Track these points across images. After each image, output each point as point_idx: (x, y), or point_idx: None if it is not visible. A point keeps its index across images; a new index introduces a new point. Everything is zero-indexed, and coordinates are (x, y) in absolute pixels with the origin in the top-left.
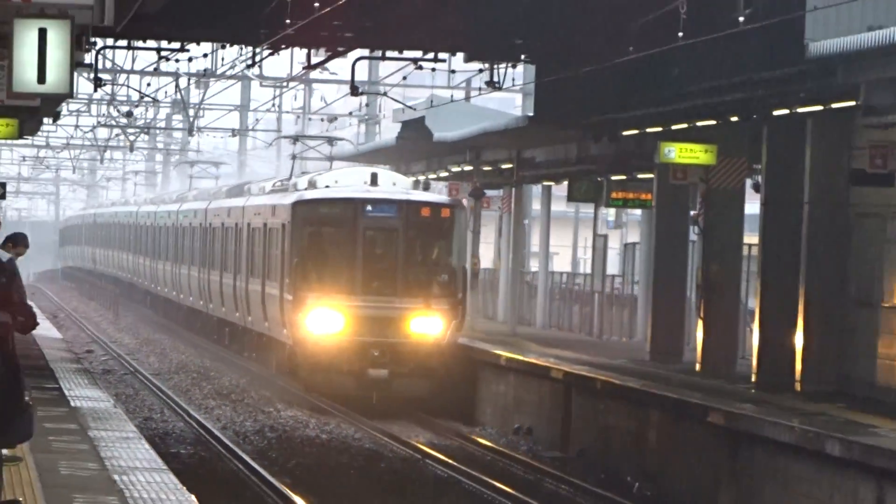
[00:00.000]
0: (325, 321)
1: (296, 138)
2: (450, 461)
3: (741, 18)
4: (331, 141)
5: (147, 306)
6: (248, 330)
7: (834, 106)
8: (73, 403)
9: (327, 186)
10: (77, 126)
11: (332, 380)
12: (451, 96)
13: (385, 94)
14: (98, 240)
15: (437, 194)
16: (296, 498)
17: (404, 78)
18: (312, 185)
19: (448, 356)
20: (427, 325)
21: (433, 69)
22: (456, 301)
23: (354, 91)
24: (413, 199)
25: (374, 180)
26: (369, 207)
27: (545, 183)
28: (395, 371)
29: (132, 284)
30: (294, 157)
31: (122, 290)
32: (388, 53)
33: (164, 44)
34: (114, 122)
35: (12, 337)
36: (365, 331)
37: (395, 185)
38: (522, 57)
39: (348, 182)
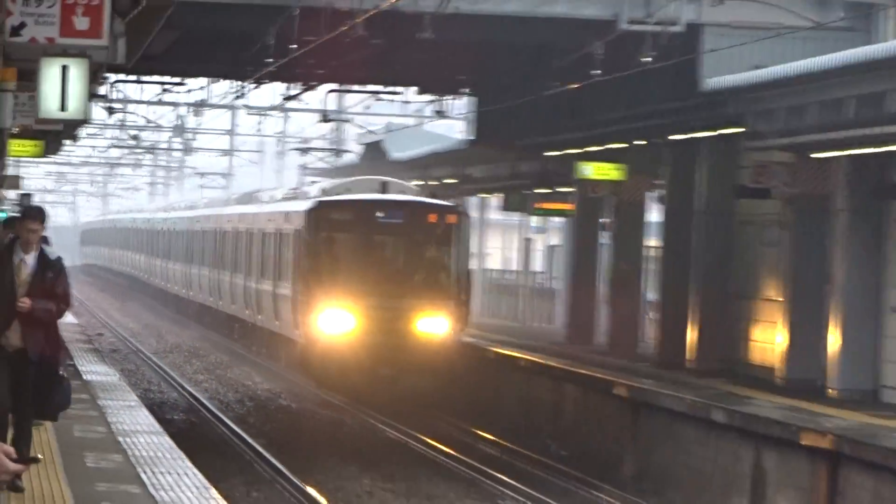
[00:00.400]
0: (337, 321)
1: (306, 150)
2: (400, 426)
3: (647, 59)
4: (338, 152)
5: (160, 302)
6: (258, 327)
7: (723, 132)
8: (85, 377)
9: (339, 194)
10: (93, 146)
11: (343, 377)
12: (406, 124)
13: (350, 121)
14: (116, 242)
15: (443, 203)
16: (269, 456)
17: (367, 107)
18: (324, 193)
19: (452, 354)
20: (433, 325)
21: (391, 100)
22: (460, 302)
23: (325, 119)
24: (421, 206)
25: (384, 188)
26: (380, 213)
27: (482, 195)
28: (402, 369)
29: (146, 283)
30: (305, 167)
31: (136, 286)
32: (353, 87)
33: (166, 78)
34: (123, 144)
35: (55, 322)
36: (375, 330)
37: (403, 193)
38: (465, 91)
39: (359, 190)
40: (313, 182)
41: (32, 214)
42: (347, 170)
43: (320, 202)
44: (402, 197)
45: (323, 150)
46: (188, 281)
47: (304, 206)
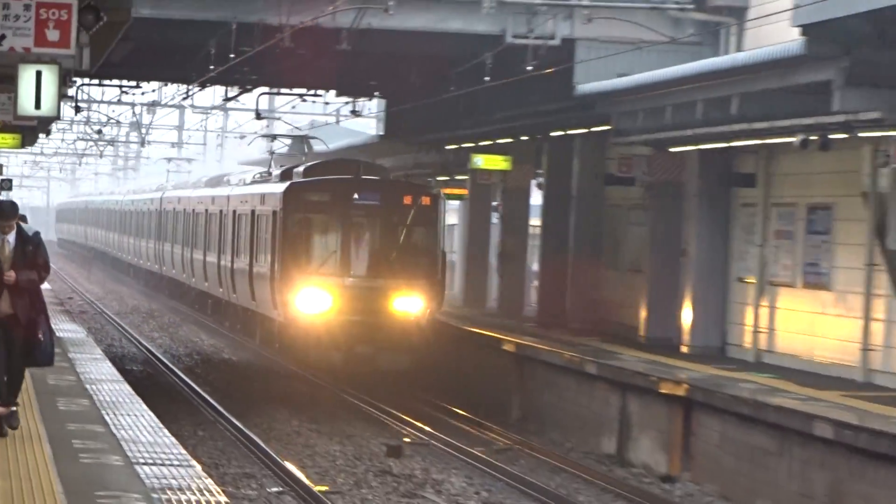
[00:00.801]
0: (314, 301)
1: (274, 137)
2: (324, 377)
3: (529, 67)
4: (304, 139)
5: (129, 276)
6: (232, 304)
7: (593, 129)
8: (58, 334)
9: (315, 176)
10: (62, 139)
11: (320, 356)
12: (327, 121)
13: (280, 118)
14: (88, 220)
15: (419, 184)
16: (213, 401)
17: (293, 107)
18: (300, 175)
19: (428, 332)
20: (409, 304)
21: (314, 101)
22: (435, 281)
23: (258, 116)
24: (397, 187)
25: (357, 171)
26: (356, 195)
27: None
28: (378, 347)
29: (115, 257)
30: (272, 153)
31: (104, 259)
32: (282, 90)
33: (124, 82)
34: (88, 137)
35: (38, 289)
36: (351, 309)
37: (377, 176)
38: (376, 93)
39: (334, 172)
40: (283, 167)
41: (5, 215)
42: (281, 159)
43: (297, 183)
44: (378, 178)
45: (288, 136)
46: (160, 258)
47: (280, 187)
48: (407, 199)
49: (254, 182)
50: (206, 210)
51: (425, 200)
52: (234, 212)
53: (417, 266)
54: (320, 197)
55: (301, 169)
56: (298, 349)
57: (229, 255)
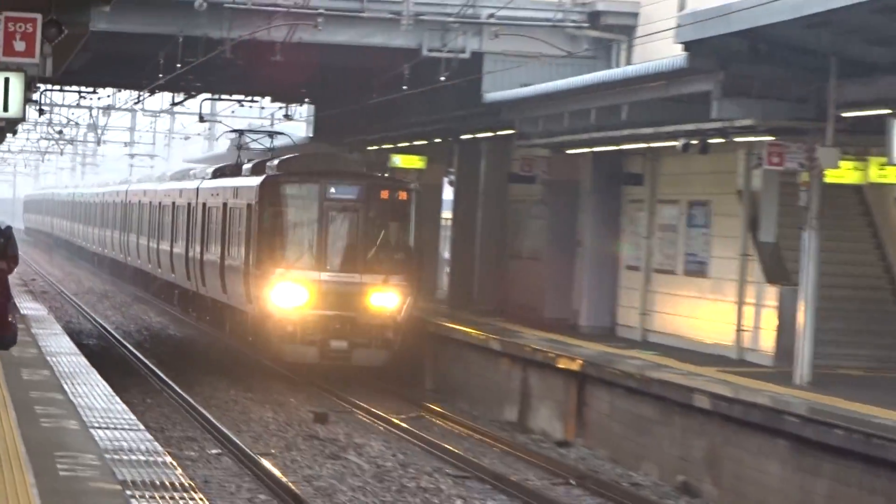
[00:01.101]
0: (290, 295)
1: (241, 132)
2: (260, 354)
3: (442, 77)
4: (271, 134)
5: (94, 265)
6: (201, 296)
7: (499, 133)
8: (22, 312)
9: (290, 170)
10: (27, 138)
11: (296, 350)
12: (263, 124)
13: (220, 122)
14: (54, 212)
15: (395, 179)
16: (160, 372)
17: (233, 112)
18: (276, 168)
19: (404, 328)
20: (385, 300)
21: (251, 106)
22: (411, 276)
23: (201, 119)
24: (374, 182)
25: (334, 165)
26: (333, 189)
27: None
28: (354, 342)
29: (81, 247)
30: (239, 147)
31: (67, 247)
32: (223, 96)
33: (83, 88)
34: (50, 137)
35: (6, 278)
36: (328, 304)
37: (353, 170)
38: (306, 99)
39: (310, 166)
40: (251, 161)
41: None
42: (220, 157)
43: (273, 177)
44: (355, 172)
45: (258, 131)
46: (125, 248)
47: (256, 181)
48: (384, 194)
49: (223, 175)
50: (174, 203)
51: (402, 195)
52: (204, 204)
53: (394, 261)
54: (297, 191)
55: (275, 162)
56: (272, 343)
57: (198, 247)
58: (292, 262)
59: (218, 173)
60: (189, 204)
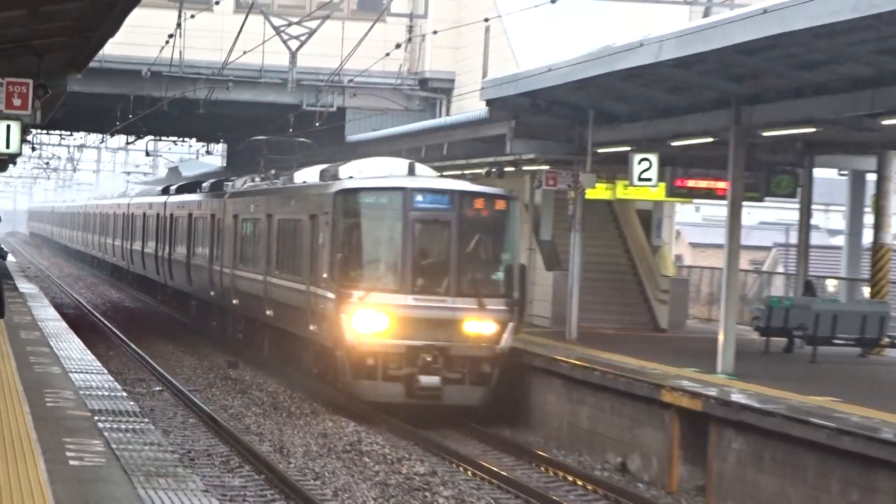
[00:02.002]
0: (370, 323)
1: (268, 141)
2: (188, 319)
3: (317, 124)
4: (296, 146)
5: (81, 261)
6: (251, 318)
7: None
8: (20, 290)
9: (352, 177)
10: (23, 167)
11: (377, 388)
12: (191, 157)
13: (161, 155)
14: (54, 221)
15: (490, 186)
16: (119, 333)
17: (169, 148)
18: (335, 176)
19: (504, 361)
20: (481, 328)
21: (182, 144)
22: (512, 301)
23: (147, 154)
24: (467, 190)
25: (411, 170)
26: (419, 198)
27: None
28: (446, 377)
29: (79, 252)
30: (263, 159)
31: (59, 249)
32: (162, 137)
33: (62, 131)
34: (40, 166)
35: None
36: (414, 333)
37: (434, 176)
38: (221, 140)
39: (378, 172)
40: (321, 168)
41: None
42: (158, 182)
43: (352, 187)
44: (446, 181)
45: (285, 139)
46: (128, 256)
47: (324, 189)
48: (478, 204)
49: (248, 187)
50: (191, 215)
51: (500, 205)
52: (236, 216)
53: (491, 282)
54: (378, 200)
55: (340, 168)
56: (347, 379)
57: (228, 261)
58: (372, 284)
59: (232, 185)
60: (213, 216)
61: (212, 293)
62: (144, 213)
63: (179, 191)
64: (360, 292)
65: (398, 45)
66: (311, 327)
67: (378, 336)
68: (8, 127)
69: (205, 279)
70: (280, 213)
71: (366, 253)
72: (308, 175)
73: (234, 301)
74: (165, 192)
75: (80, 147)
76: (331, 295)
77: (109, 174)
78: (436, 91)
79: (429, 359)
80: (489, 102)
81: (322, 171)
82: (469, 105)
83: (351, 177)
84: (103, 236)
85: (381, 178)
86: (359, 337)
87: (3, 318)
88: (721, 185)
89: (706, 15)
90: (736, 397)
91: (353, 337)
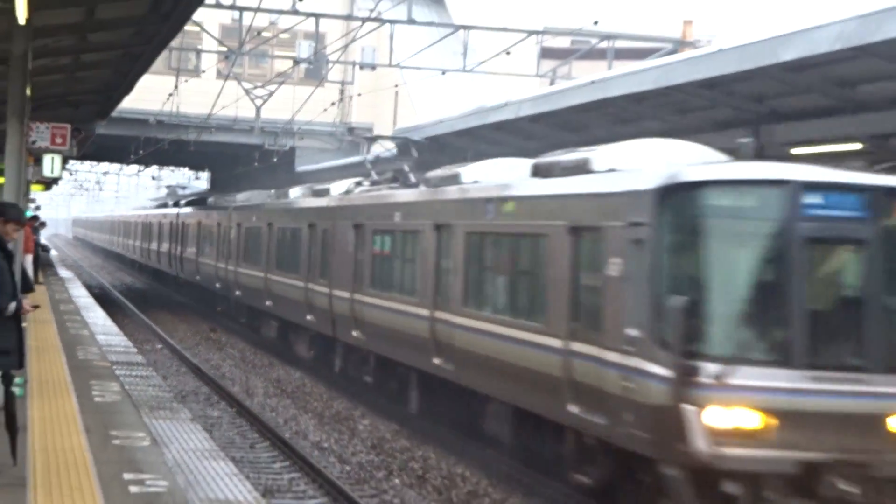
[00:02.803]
0: (736, 420)
1: (374, 138)
2: (199, 307)
3: (275, 160)
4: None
5: (115, 260)
6: (445, 382)
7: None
8: (59, 275)
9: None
10: (65, 186)
11: None
12: (186, 183)
13: (162, 179)
14: (94, 228)
15: None
16: (133, 307)
17: (170, 174)
18: (456, 179)
19: None
20: None
21: (182, 172)
22: None
23: (153, 178)
24: (889, 189)
25: (758, 155)
26: (816, 199)
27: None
28: None
29: (107, 250)
30: (373, 162)
31: (95, 250)
32: (164, 167)
33: (92, 162)
34: (75, 186)
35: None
36: (814, 440)
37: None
38: (206, 169)
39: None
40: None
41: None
42: (161, 200)
43: (695, 180)
44: (857, 174)
45: (386, 137)
46: (158, 257)
47: (641, 183)
48: None
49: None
50: (270, 224)
51: None
52: (359, 226)
53: None
54: (743, 203)
55: (468, 171)
56: None
57: (344, 285)
58: (736, 352)
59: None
60: (312, 225)
61: (217, 285)
62: (160, 222)
63: (187, 204)
64: (715, 367)
65: (333, 103)
66: (573, 408)
67: (748, 443)
68: (52, 158)
69: (212, 273)
70: (379, 224)
71: (724, 295)
72: (341, 188)
73: (270, 301)
74: (176, 205)
75: (105, 173)
76: (653, 369)
77: (128, 192)
78: (360, 135)
79: (842, 485)
80: (397, 144)
81: (427, 178)
82: (383, 145)
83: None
84: (127, 238)
85: (741, 168)
86: (715, 445)
87: (23, 368)
88: None
89: (552, 83)
90: None
91: (703, 447)
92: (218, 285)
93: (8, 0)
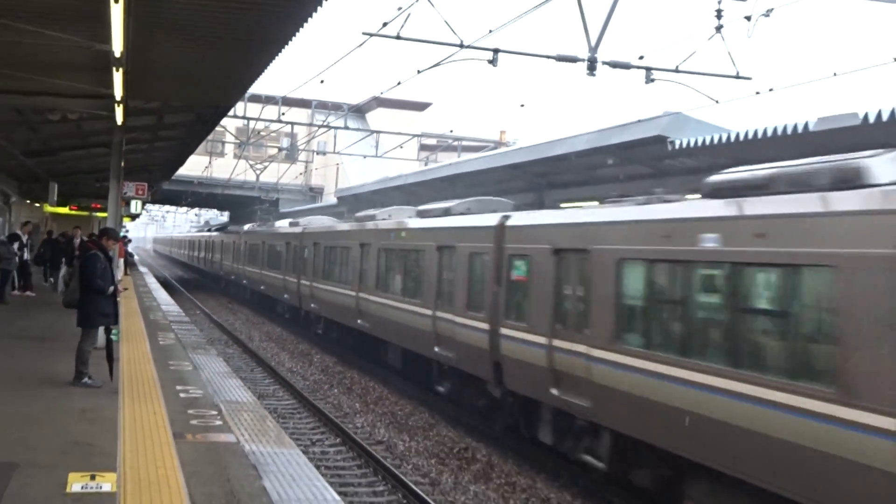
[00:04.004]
0: None
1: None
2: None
3: (267, 205)
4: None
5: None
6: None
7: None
8: (140, 271)
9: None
10: (142, 219)
11: None
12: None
13: (200, 214)
14: (173, 245)
15: None
16: (185, 290)
17: (196, 214)
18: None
19: None
20: None
21: (209, 211)
22: None
23: (196, 215)
24: None
25: None
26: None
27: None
28: None
29: (173, 258)
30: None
31: (175, 263)
32: (202, 208)
33: (160, 205)
34: (150, 218)
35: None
36: None
37: None
38: (227, 210)
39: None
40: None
41: (111, 234)
42: (201, 226)
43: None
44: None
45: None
46: (221, 266)
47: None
48: None
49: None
50: (469, 253)
51: None
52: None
53: None
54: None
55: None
56: None
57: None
58: None
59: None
60: (563, 252)
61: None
62: (213, 240)
63: (221, 230)
64: None
65: (301, 173)
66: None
67: None
68: (136, 203)
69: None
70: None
71: None
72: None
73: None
74: (220, 230)
75: (167, 211)
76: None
77: (181, 222)
78: (315, 192)
79: None
80: (339, 199)
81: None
82: (331, 199)
83: None
84: (187, 251)
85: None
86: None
87: (117, 324)
88: None
89: (426, 164)
90: None
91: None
92: (286, 296)
93: (110, 110)
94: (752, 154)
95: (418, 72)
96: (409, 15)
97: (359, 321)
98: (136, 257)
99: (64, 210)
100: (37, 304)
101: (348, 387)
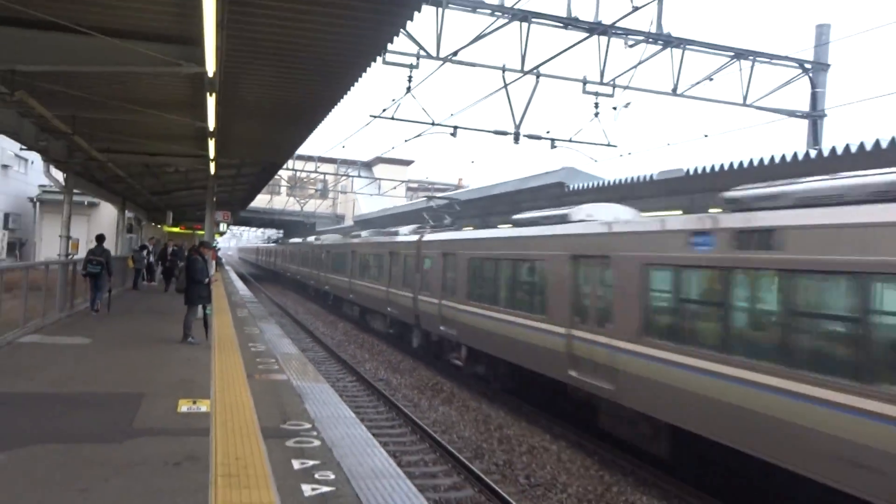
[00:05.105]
0: None
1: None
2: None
3: (307, 226)
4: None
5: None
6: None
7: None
8: (226, 269)
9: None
10: (226, 237)
11: None
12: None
13: (264, 232)
14: (244, 251)
15: None
16: (258, 285)
17: (266, 230)
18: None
19: None
20: None
21: (268, 230)
22: None
23: (262, 232)
24: None
25: None
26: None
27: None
28: None
29: (253, 262)
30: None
31: (251, 263)
32: (264, 228)
33: (237, 226)
34: (231, 234)
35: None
36: None
37: None
38: (281, 229)
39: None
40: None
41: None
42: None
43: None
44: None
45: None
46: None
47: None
48: None
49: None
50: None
51: None
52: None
53: None
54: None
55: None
56: None
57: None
58: None
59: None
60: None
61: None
62: (292, 250)
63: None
64: None
65: (330, 206)
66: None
67: None
68: (223, 224)
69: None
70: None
71: None
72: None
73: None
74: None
75: (243, 230)
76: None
77: (254, 237)
78: (341, 218)
79: None
80: (355, 222)
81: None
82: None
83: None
84: (265, 257)
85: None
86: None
87: (210, 303)
88: None
89: (411, 200)
90: None
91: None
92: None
93: (206, 165)
94: (620, 193)
95: (405, 140)
96: (399, 104)
97: (350, 296)
98: (223, 260)
99: (176, 229)
100: (157, 292)
101: (360, 344)
